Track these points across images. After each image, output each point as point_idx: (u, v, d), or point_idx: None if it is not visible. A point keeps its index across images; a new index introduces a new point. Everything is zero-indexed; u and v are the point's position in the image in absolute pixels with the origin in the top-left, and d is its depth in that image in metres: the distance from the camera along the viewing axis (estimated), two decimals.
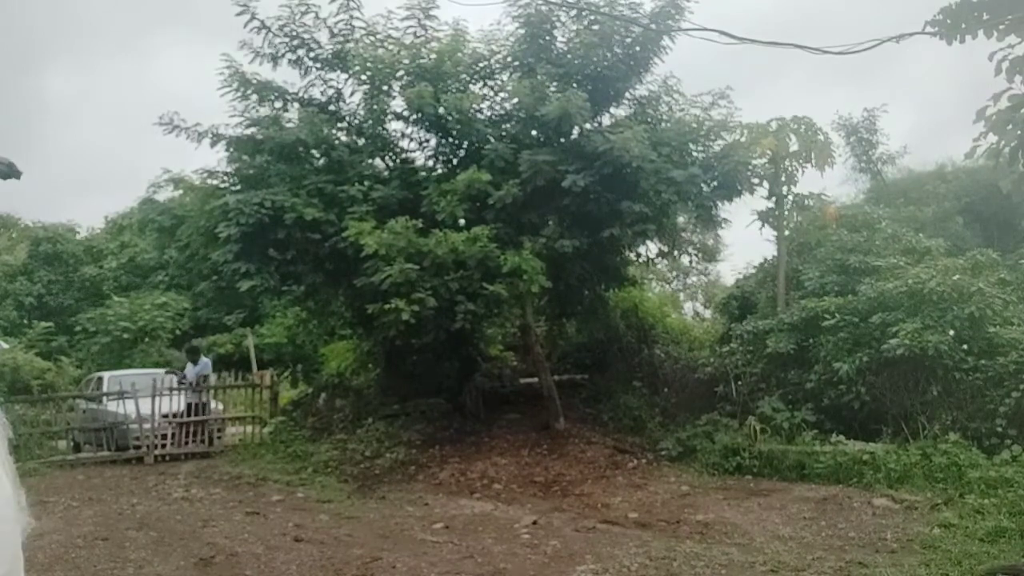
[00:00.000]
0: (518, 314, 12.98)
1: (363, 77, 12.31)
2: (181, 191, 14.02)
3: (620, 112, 13.16)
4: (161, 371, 17.09)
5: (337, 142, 12.47)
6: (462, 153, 12.63)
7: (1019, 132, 6.21)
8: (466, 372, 13.73)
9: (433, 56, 12.27)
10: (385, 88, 12.34)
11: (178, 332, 23.88)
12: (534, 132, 12.03)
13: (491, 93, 12.88)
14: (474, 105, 12.04)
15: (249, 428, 15.14)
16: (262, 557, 7.44)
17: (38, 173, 43.61)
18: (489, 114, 12.67)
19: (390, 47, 12.52)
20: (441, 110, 11.84)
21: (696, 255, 22.07)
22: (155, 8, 63.65)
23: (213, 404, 14.94)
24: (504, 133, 12.18)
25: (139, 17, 65.13)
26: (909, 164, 21.73)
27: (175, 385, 14.59)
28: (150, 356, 22.26)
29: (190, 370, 15.66)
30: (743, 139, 12.95)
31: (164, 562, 7.41)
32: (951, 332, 10.41)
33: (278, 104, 12.72)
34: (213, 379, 15.76)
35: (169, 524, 9.01)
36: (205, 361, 15.96)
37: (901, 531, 7.59)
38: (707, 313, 25.19)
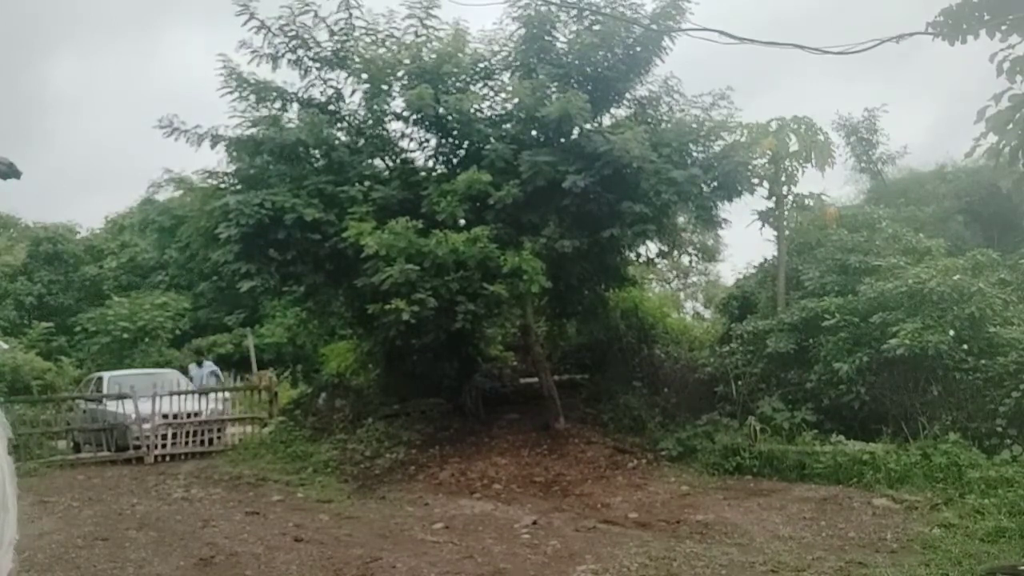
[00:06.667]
0: (518, 314, 12.98)
1: (363, 76, 12.30)
2: (181, 191, 14.03)
3: (620, 112, 13.16)
4: (163, 371, 17.17)
5: (337, 142, 12.46)
6: (462, 153, 12.62)
7: (1019, 132, 6.21)
8: (466, 372, 13.73)
9: (434, 56, 12.26)
10: (385, 88, 12.34)
11: (178, 332, 23.90)
12: (534, 132, 12.02)
13: (491, 93, 12.85)
14: (474, 105, 12.03)
15: (249, 428, 15.16)
16: (262, 557, 7.45)
17: (38, 173, 43.60)
18: (489, 114, 12.65)
19: (391, 47, 12.52)
20: (441, 110, 11.83)
21: (696, 255, 22.07)
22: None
23: (214, 404, 14.99)
24: (504, 133, 12.17)
25: (142, 9, 65.12)
26: (909, 164, 21.75)
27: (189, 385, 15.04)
28: (150, 356, 22.28)
29: (195, 371, 16.08)
30: (743, 139, 12.94)
31: (164, 562, 7.42)
32: (951, 332, 10.40)
33: (277, 105, 12.71)
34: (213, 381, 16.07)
35: (169, 524, 9.02)
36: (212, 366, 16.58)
37: (901, 531, 7.59)
38: (707, 313, 25.17)
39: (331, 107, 12.85)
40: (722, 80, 19.20)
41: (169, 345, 23.51)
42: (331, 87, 12.81)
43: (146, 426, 13.94)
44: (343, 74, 12.65)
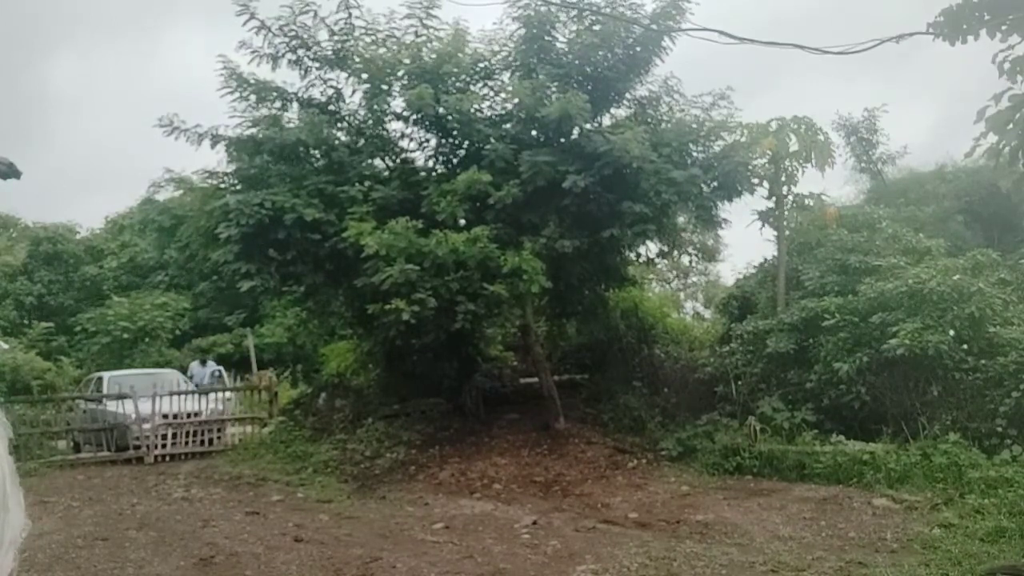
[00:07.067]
0: (518, 314, 12.97)
1: (363, 76, 12.29)
2: (181, 191, 14.02)
3: (620, 112, 13.16)
4: (163, 371, 17.18)
5: (337, 142, 12.46)
6: (462, 153, 12.62)
7: (1019, 132, 6.21)
8: (466, 372, 13.73)
9: (434, 56, 12.26)
10: (385, 88, 12.34)
11: (178, 332, 23.90)
12: (534, 132, 12.02)
13: (491, 93, 12.85)
14: (474, 105, 12.03)
15: (249, 428, 15.16)
16: (262, 557, 7.45)
17: (38, 173, 43.56)
18: (489, 114, 12.65)
19: (391, 47, 12.51)
20: (441, 110, 11.83)
21: (696, 255, 22.11)
22: None
23: (214, 404, 15.01)
24: (504, 133, 12.16)
25: (142, 9, 65.02)
26: (909, 164, 21.75)
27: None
28: (150, 356, 22.27)
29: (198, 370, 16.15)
30: (743, 139, 12.95)
31: (164, 562, 7.42)
32: (951, 332, 10.40)
33: (277, 105, 12.71)
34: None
35: (169, 524, 9.02)
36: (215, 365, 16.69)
37: (901, 531, 7.59)
38: (707, 313, 25.18)
39: (331, 107, 12.85)
40: (722, 80, 19.23)
41: (169, 345, 23.50)
42: (331, 87, 12.82)
43: (146, 426, 13.94)
44: (343, 74, 12.65)
